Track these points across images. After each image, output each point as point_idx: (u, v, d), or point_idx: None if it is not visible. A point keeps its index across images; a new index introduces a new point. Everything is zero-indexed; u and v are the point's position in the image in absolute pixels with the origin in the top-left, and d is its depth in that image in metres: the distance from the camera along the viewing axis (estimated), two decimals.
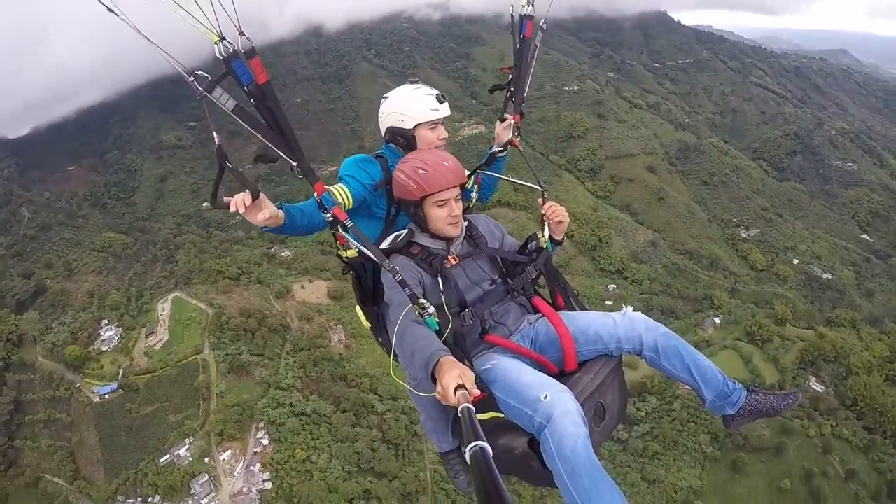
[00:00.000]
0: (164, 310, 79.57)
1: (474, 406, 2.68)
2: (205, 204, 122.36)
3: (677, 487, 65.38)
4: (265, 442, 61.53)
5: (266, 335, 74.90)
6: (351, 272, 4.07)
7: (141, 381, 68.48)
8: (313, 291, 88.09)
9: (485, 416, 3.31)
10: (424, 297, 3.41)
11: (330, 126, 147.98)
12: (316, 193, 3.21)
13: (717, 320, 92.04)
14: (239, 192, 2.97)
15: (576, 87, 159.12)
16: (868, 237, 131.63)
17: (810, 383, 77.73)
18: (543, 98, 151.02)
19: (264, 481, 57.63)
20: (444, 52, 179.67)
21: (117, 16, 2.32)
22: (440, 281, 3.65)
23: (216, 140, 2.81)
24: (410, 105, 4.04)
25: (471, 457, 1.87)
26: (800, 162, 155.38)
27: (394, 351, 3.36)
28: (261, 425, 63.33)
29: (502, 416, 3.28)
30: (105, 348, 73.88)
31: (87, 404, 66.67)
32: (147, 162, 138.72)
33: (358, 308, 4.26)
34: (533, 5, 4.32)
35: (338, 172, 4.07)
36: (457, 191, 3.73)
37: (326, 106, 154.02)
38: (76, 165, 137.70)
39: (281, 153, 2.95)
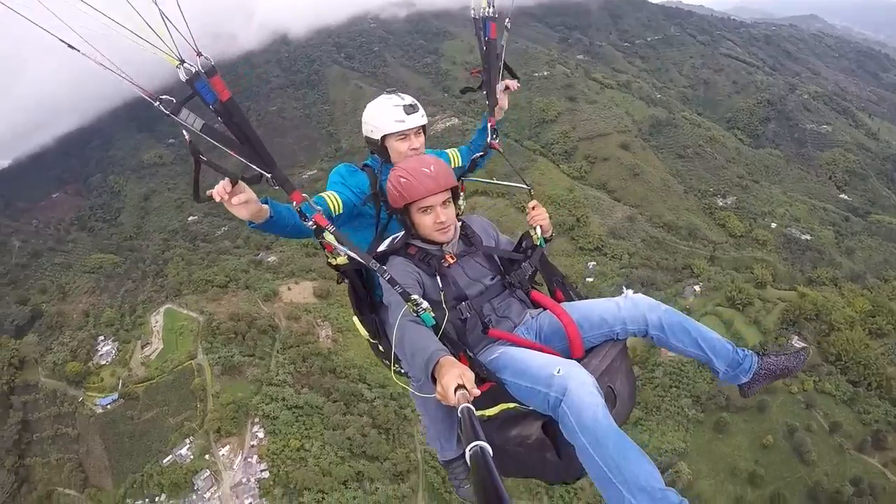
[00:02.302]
0: (157, 321, 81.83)
1: (482, 399, 2.83)
2: (191, 218, 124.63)
3: (661, 450, 64.99)
4: (261, 435, 63.52)
5: (256, 336, 76.48)
6: (346, 280, 4.00)
7: (140, 389, 70.57)
8: (300, 292, 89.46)
9: (494, 410, 3.35)
10: (424, 296, 3.37)
11: (306, 131, 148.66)
12: (294, 203, 3.13)
13: (697, 288, 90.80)
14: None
15: (545, 73, 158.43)
16: (846, 196, 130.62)
17: (793, 342, 77.08)
18: None
19: (262, 471, 59.67)
20: (413, 48, 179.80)
21: (79, 52, 2.28)
22: (439, 279, 3.62)
23: (186, 137, 2.80)
24: (378, 116, 4.12)
25: (471, 457, 1.89)
26: (774, 128, 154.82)
27: (394, 356, 3.32)
28: (256, 420, 65.14)
29: (512, 407, 3.30)
30: (103, 362, 75.85)
31: (90, 416, 68.38)
32: (129, 182, 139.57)
33: (355, 318, 4.20)
34: (493, 6, 4.36)
35: (326, 182, 4.15)
36: (441, 197, 3.66)
37: (301, 112, 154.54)
38: (60, 192, 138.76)
39: (253, 165, 2.95)
